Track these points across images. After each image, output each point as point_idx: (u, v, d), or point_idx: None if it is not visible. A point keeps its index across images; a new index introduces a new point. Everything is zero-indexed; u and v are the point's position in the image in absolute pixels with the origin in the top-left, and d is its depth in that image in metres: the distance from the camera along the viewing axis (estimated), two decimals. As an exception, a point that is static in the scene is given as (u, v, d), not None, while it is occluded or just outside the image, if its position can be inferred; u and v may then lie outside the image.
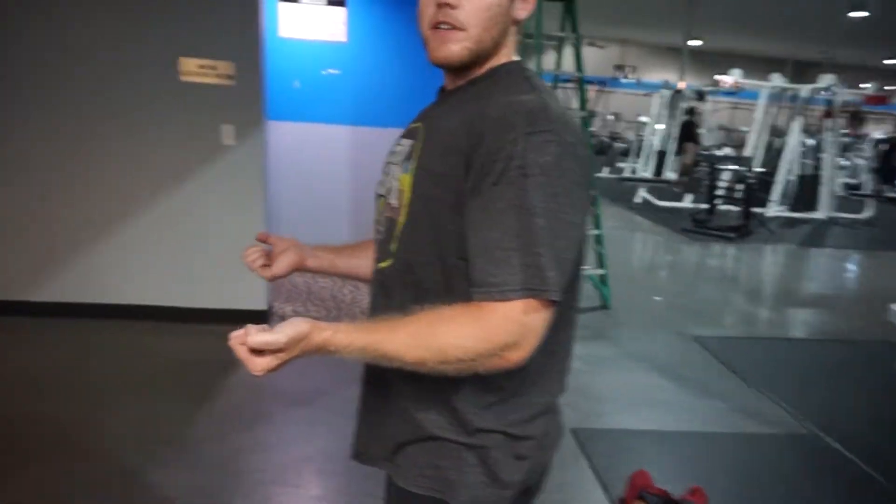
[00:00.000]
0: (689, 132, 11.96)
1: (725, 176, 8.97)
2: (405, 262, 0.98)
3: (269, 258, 1.19)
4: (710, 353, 3.96)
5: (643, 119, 15.14)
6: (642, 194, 10.21)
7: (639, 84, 16.98)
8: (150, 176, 3.72)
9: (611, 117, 19.26)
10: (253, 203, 3.77)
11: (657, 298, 5.24)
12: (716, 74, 12.55)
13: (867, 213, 9.90)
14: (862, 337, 4.56)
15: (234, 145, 3.70)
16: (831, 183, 9.50)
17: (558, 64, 4.95)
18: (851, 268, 7.34)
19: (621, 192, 10.77)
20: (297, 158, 4.96)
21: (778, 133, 11.31)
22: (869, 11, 10.65)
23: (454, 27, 0.94)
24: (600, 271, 4.74)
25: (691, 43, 15.51)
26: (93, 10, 3.52)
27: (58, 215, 3.71)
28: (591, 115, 12.60)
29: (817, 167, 9.54)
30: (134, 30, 3.56)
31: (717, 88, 12.29)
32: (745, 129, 15.62)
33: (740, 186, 8.42)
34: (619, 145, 16.97)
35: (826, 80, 9.41)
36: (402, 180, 0.98)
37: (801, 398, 3.37)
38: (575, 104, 4.75)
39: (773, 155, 10.54)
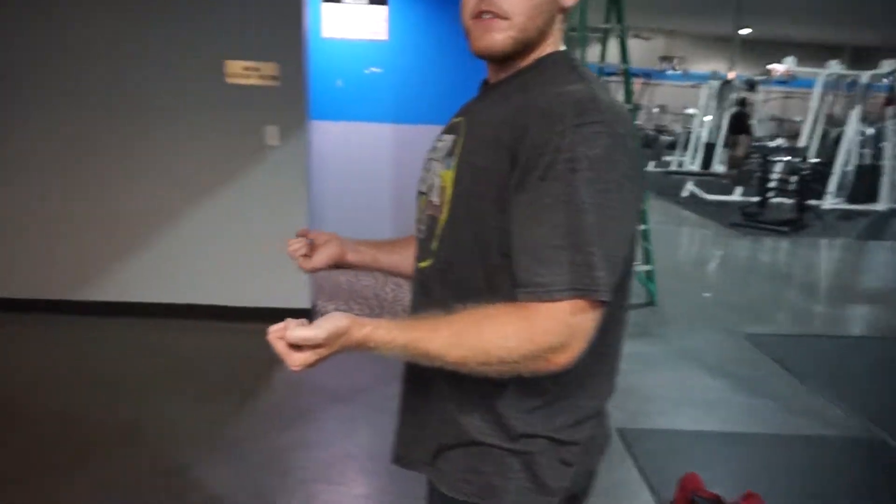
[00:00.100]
0: (740, 123, 11.61)
1: (778, 167, 8.68)
2: (446, 261, 0.96)
3: (311, 250, 1.18)
4: (762, 351, 3.83)
5: (690, 111, 14.78)
6: (690, 188, 9.95)
7: (685, 75, 16.54)
8: (195, 177, 3.80)
9: (656, 110, 18.86)
10: (296, 203, 3.81)
11: (706, 295, 5.09)
12: (766, 63, 12.14)
13: (931, 205, 9.43)
14: (927, 335, 4.35)
15: (277, 146, 3.75)
16: (893, 173, 9.09)
17: (603, 56, 4.86)
18: (915, 262, 7.00)
19: (668, 185, 10.53)
20: (339, 158, 5.01)
21: (834, 122, 10.87)
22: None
23: (497, 16, 0.90)
24: (647, 267, 4.64)
25: (740, 31, 15.05)
26: (146, 17, 3.62)
27: (107, 215, 3.83)
28: (637, 108, 12.36)
29: (877, 157, 9.14)
30: (181, 34, 3.64)
31: (768, 78, 11.89)
32: (798, 118, 15.09)
33: (794, 178, 8.13)
34: (665, 138, 16.61)
35: (888, 65, 8.99)
36: (444, 177, 0.96)
37: (859, 398, 3.22)
38: (620, 98, 4.66)
39: (828, 145, 10.14)
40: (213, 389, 3.11)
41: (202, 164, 3.79)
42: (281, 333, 0.80)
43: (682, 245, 7.29)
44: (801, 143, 9.61)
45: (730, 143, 11.66)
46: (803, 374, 3.50)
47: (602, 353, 0.92)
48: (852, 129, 9.07)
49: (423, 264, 1.01)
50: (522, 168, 0.83)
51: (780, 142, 11.38)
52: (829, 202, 8.81)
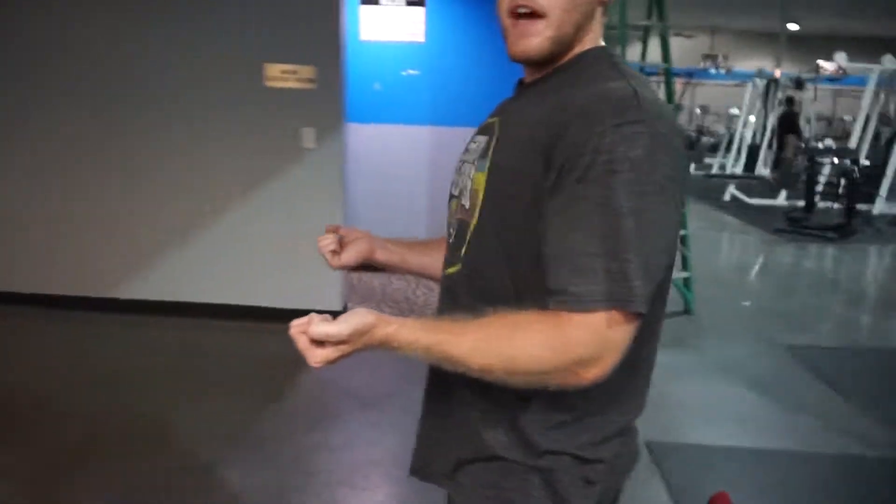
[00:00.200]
0: (789, 123, 11.25)
1: (826, 170, 8.39)
2: (473, 267, 0.94)
3: (341, 246, 1.16)
4: (805, 365, 3.70)
5: (734, 111, 14.41)
6: (732, 191, 9.69)
7: (729, 74, 16.11)
8: (233, 179, 3.87)
9: (697, 110, 18.44)
10: (332, 205, 3.85)
11: (746, 304, 4.96)
12: (815, 60, 11.74)
13: None
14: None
15: (314, 148, 3.79)
16: (949, 177, 8.69)
17: (643, 55, 4.75)
18: (971, 271, 6.69)
19: (709, 189, 10.26)
20: (376, 160, 5.04)
21: (887, 122, 10.46)
22: None
23: (534, 11, 0.87)
24: (684, 274, 4.54)
25: (788, 26, 14.59)
26: (189, 23, 3.71)
27: (146, 216, 3.93)
28: (679, 108, 12.11)
29: (934, 159, 8.75)
30: (221, 38, 3.71)
31: (816, 75, 11.48)
32: (848, 118, 14.56)
33: (843, 181, 7.84)
34: (706, 140, 16.22)
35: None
36: (477, 179, 0.93)
37: (908, 418, 3.10)
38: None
39: (881, 146, 9.75)
40: (241, 389, 3.16)
41: (240, 167, 3.85)
42: (304, 328, 0.78)
43: (721, 251, 7.11)
44: (852, 143, 9.26)
45: (778, 144, 11.32)
46: (846, 390, 3.37)
47: (635, 367, 0.88)
48: (907, 130, 8.72)
49: (451, 270, 0.99)
50: (559, 170, 0.80)
51: (828, 142, 10.99)
52: (880, 207, 8.47)
